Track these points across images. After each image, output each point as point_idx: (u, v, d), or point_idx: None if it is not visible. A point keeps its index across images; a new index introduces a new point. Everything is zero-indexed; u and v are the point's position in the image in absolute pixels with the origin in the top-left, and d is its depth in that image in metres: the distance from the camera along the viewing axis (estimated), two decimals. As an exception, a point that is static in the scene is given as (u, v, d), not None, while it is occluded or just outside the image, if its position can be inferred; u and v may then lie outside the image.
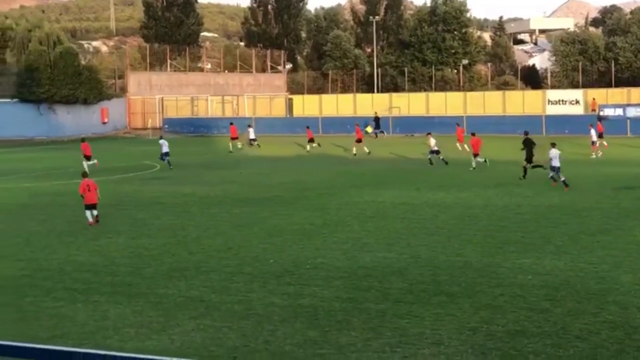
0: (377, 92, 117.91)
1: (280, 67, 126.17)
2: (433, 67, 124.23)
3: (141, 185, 42.03)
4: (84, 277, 20.61)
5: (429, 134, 52.70)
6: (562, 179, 37.54)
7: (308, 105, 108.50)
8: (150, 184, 42.91)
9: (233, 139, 67.10)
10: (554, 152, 37.92)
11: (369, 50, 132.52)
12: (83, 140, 54.39)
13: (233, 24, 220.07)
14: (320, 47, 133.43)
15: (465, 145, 56.45)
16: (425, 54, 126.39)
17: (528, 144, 42.37)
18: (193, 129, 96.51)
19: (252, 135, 69.25)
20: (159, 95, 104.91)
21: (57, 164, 55.68)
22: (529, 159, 41.90)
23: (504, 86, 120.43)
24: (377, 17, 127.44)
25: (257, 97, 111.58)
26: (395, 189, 38.14)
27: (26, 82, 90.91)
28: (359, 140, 60.16)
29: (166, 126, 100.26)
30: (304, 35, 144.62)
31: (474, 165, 46.85)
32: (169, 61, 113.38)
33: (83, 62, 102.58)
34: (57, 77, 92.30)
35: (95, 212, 29.65)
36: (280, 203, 34.15)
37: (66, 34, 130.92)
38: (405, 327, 15.66)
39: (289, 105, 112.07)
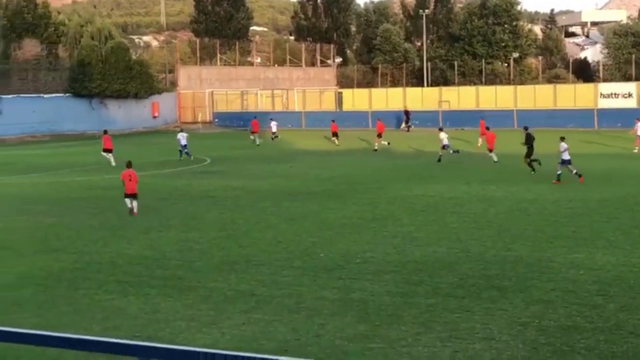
0: (427, 86, 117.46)
1: (329, 61, 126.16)
2: (483, 60, 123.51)
3: (191, 179, 42.23)
4: (136, 271, 20.77)
5: (440, 129, 52.56)
6: (574, 171, 37.55)
7: (358, 99, 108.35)
8: (201, 177, 43.11)
9: (254, 132, 67.79)
10: (564, 146, 37.80)
11: (419, 43, 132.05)
12: (105, 132, 55.08)
13: (283, 18, 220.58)
14: (370, 41, 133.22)
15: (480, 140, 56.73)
16: (475, 47, 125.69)
17: (529, 140, 42.67)
18: (243, 123, 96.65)
19: (274, 129, 71.02)
20: (209, 89, 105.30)
21: (108, 158, 56.09)
22: (528, 153, 42.26)
23: (555, 79, 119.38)
24: (427, 10, 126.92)
25: (306, 91, 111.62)
26: (444, 183, 37.99)
27: (78, 77, 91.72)
28: (379, 135, 60.46)
29: (216, 120, 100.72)
30: (353, 29, 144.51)
31: (495, 160, 46.86)
32: (218, 55, 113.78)
33: (134, 57, 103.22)
34: (108, 71, 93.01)
35: (135, 203, 30.80)
36: (330, 197, 34.17)
37: (117, 28, 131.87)
38: (455, 322, 15.60)
39: (339, 99, 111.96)
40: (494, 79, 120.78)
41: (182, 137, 55.18)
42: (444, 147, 49.51)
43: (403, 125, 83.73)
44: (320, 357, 13.77)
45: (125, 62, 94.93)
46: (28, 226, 28.31)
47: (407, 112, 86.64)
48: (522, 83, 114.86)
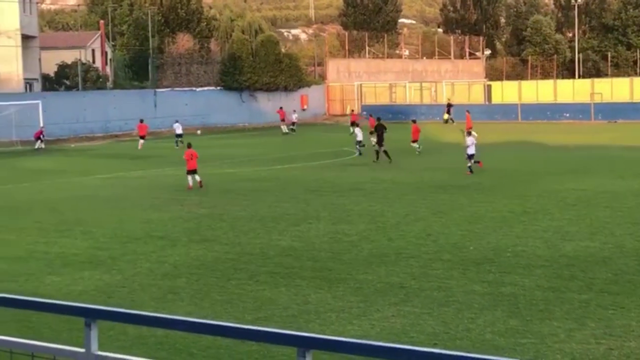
0: (578, 77, 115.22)
1: (478, 54, 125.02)
2: (638, 51, 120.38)
3: (340, 172, 42.48)
4: (286, 262, 21.01)
5: (357, 124, 56.08)
6: (469, 164, 39.59)
7: (507, 92, 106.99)
8: (349, 170, 43.32)
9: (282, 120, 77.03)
10: (470, 140, 39.87)
11: (570, 34, 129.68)
12: (141, 121, 65.56)
13: (431, 10, 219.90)
14: (520, 33, 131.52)
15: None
16: (629, 37, 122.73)
17: (380, 129, 47.29)
18: (391, 115, 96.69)
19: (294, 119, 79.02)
20: (357, 82, 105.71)
21: (258, 151, 56.96)
22: (380, 141, 46.56)
23: None
24: (579, 0, 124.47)
25: (455, 84, 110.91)
26: (597, 177, 37.19)
27: (229, 71, 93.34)
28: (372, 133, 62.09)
29: (364, 112, 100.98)
30: (503, 20, 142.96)
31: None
32: (367, 48, 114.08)
33: (283, 50, 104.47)
34: (258, 65, 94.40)
35: (197, 178, 36.65)
36: (479, 190, 33.88)
37: (267, 22, 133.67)
38: (610, 318, 15.27)
39: (488, 91, 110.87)
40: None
41: (178, 127, 63.16)
42: (357, 143, 51.99)
43: (446, 116, 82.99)
44: (470, 351, 13.67)
45: (274, 56, 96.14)
46: (182, 216, 28.98)
47: (449, 105, 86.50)
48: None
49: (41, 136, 65.75)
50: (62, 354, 5.08)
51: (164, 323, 5.27)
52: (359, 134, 52.09)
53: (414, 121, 53.72)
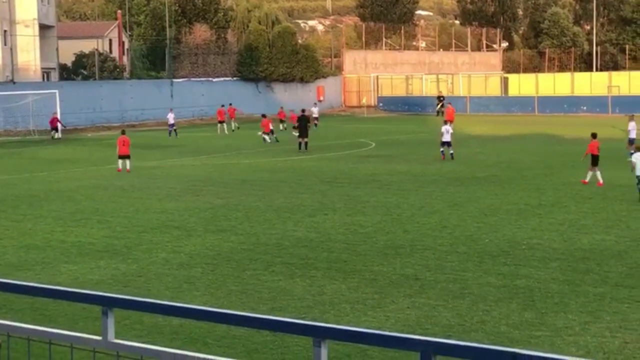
0: (596, 70, 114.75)
1: (495, 46, 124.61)
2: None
3: (356, 163, 42.48)
4: (301, 253, 21.05)
5: (263, 116, 57.58)
6: (451, 152, 42.82)
7: (524, 85, 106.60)
8: (366, 161, 43.31)
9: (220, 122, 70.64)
10: (445, 128, 43.27)
11: (588, 27, 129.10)
12: (230, 108, 70.87)
13: (448, 2, 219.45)
14: (537, 25, 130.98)
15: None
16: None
17: (302, 121, 50.23)
18: (407, 107, 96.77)
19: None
20: (374, 74, 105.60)
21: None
22: (302, 134, 49.58)
23: None
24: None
25: (471, 76, 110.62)
26: (613, 170, 36.99)
27: (246, 61, 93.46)
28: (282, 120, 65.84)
29: (380, 104, 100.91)
30: (520, 12, 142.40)
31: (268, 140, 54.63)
32: (384, 39, 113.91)
33: (300, 41, 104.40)
34: (275, 56, 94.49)
35: (128, 164, 39.20)
36: (496, 182, 33.84)
37: (284, 13, 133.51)
38: (625, 312, 15.26)
39: (505, 84, 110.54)
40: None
41: (171, 117, 65.14)
42: (266, 133, 55.62)
43: (438, 107, 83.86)
44: (485, 343, 13.66)
45: (291, 47, 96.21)
46: (198, 207, 29.03)
47: (441, 97, 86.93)
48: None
49: (58, 125, 65.59)
50: (79, 342, 5.12)
51: (179, 312, 5.31)
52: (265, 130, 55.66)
53: (264, 115, 56.50)
